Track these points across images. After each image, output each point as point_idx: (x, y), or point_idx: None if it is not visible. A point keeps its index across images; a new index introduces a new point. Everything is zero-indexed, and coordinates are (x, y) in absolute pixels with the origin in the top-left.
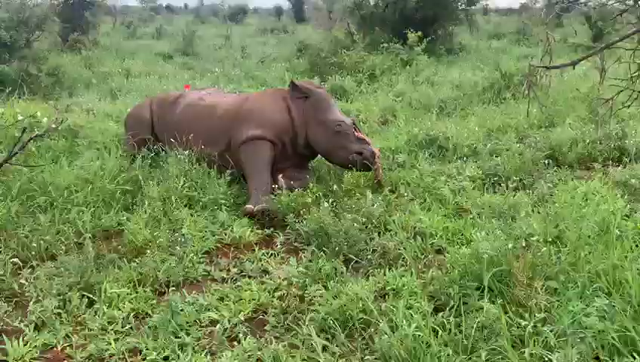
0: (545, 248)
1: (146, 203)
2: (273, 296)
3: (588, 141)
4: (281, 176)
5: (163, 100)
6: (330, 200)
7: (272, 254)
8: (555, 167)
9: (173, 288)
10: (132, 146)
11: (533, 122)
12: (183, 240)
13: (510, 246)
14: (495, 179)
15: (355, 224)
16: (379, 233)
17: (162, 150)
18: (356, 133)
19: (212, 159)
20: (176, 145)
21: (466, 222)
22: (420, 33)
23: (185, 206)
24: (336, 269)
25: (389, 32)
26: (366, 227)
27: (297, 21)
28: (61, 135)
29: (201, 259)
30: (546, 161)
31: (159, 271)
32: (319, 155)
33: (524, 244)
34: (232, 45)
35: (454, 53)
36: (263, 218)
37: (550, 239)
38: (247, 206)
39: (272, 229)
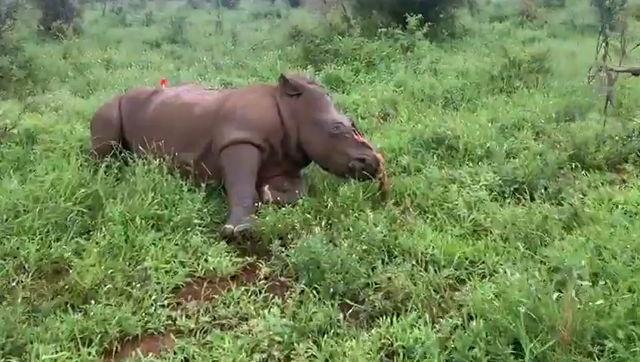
0: (593, 290)
1: (105, 227)
2: (251, 358)
3: (617, 137)
4: (267, 187)
5: (134, 98)
6: (324, 221)
7: (252, 292)
8: (582, 170)
9: (129, 344)
10: (96, 153)
11: (551, 115)
12: (144, 276)
13: (552, 292)
14: (515, 186)
15: (354, 254)
16: (382, 260)
17: (131, 158)
18: (356, 136)
19: (187, 169)
20: (148, 152)
21: (486, 246)
22: (420, 17)
23: (152, 228)
24: (330, 318)
25: (388, 16)
26: (368, 254)
27: (292, 5)
28: (14, 141)
29: (166, 301)
30: (571, 163)
31: (110, 324)
32: (313, 162)
33: (572, 294)
34: (224, 32)
35: (457, 37)
36: (245, 241)
37: (594, 273)
38: (226, 226)
39: (254, 257)
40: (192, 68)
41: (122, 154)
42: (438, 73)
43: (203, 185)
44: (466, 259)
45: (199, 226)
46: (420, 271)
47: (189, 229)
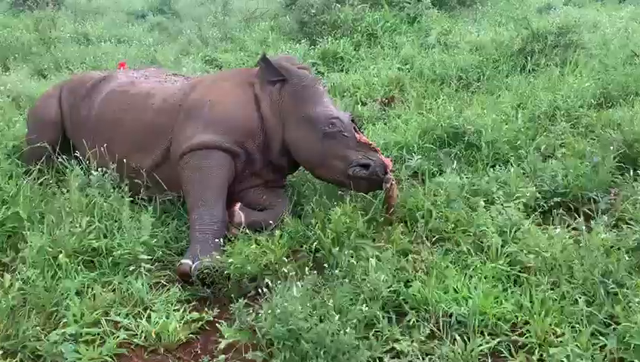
0: None
1: (19, 269)
2: None
3: None
4: (239, 206)
5: (77, 87)
6: (310, 262)
7: None
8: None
9: None
10: (28, 158)
11: (589, 100)
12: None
13: None
14: (556, 200)
15: (348, 329)
16: (389, 320)
17: (70, 165)
18: (358, 136)
19: (136, 182)
20: (90, 157)
21: (531, 300)
22: None
23: (83, 266)
24: None
25: None
26: (368, 316)
27: None
28: None
29: None
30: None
31: None
32: (302, 168)
33: None
34: (216, 0)
35: (467, 4)
36: (205, 285)
37: None
38: (182, 262)
39: (216, 311)
40: (176, 42)
41: (60, 160)
42: (449, 48)
43: (158, 201)
44: (504, 318)
45: (147, 262)
46: (441, 339)
47: (132, 268)
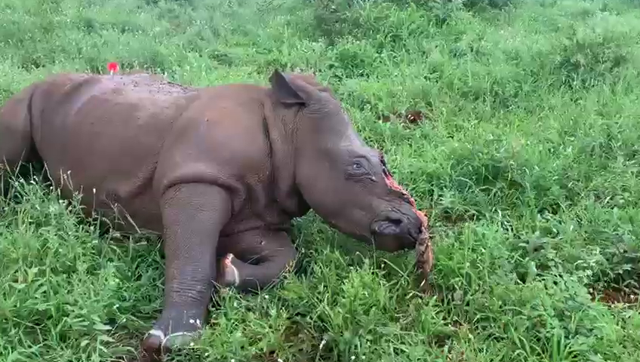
0: None
1: None
2: None
3: None
4: (230, 259)
5: (53, 90)
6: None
7: None
8: None
9: None
10: None
11: None
12: None
13: None
14: (625, 268)
15: None
16: None
17: (23, 190)
18: (388, 181)
19: (112, 210)
20: (56, 179)
21: None
22: None
23: (25, 335)
24: None
25: None
26: None
27: None
28: None
29: None
30: None
31: None
32: (314, 213)
33: None
34: None
35: (499, 6)
36: None
37: None
38: (151, 333)
39: None
40: (185, 33)
41: (20, 181)
42: (482, 56)
43: (132, 241)
44: None
45: (105, 333)
46: None
47: (86, 342)
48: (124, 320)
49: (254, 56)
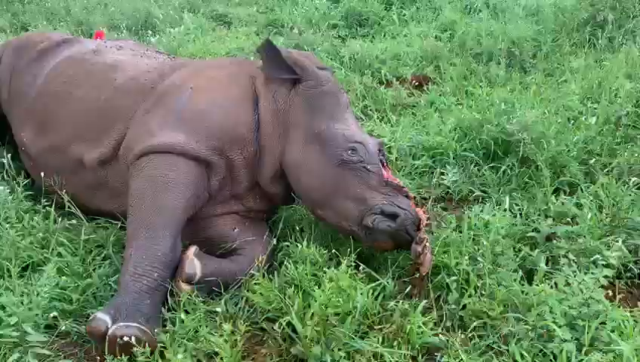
0: None
1: None
2: None
3: None
4: (193, 251)
5: (28, 46)
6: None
7: None
8: None
9: None
10: None
11: None
12: None
13: None
14: None
15: None
16: None
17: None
18: (385, 173)
19: (76, 180)
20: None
21: None
22: None
23: None
24: None
25: None
26: None
27: None
28: None
29: None
30: None
31: None
32: (299, 201)
33: None
34: None
35: None
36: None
37: None
38: (97, 316)
39: None
40: None
41: None
42: (499, 12)
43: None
44: None
45: (40, 345)
46: None
47: (17, 356)
48: (67, 325)
49: (255, 17)
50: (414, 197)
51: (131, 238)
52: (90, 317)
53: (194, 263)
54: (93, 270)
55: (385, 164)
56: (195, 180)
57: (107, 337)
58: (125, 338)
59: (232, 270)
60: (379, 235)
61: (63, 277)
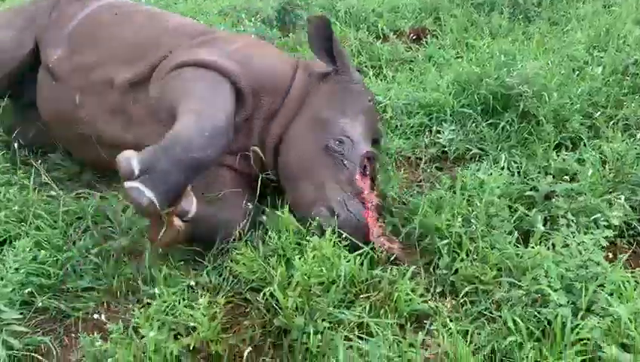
0: None
1: None
2: None
3: None
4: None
5: None
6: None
7: None
8: None
9: None
10: None
11: None
12: None
13: None
14: None
15: None
16: None
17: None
18: (358, 176)
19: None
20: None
21: None
22: None
23: None
24: None
25: None
26: None
27: None
28: None
29: None
30: None
31: None
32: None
33: None
34: None
35: None
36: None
37: None
38: (129, 157)
39: None
40: None
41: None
42: None
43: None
44: None
45: (17, 323)
46: None
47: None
48: (41, 303)
49: None
50: (371, 203)
51: (183, 100)
52: (125, 152)
53: (191, 199)
54: (73, 243)
55: (365, 172)
56: (230, 97)
57: (124, 186)
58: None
59: (218, 217)
60: (316, 228)
61: (42, 251)
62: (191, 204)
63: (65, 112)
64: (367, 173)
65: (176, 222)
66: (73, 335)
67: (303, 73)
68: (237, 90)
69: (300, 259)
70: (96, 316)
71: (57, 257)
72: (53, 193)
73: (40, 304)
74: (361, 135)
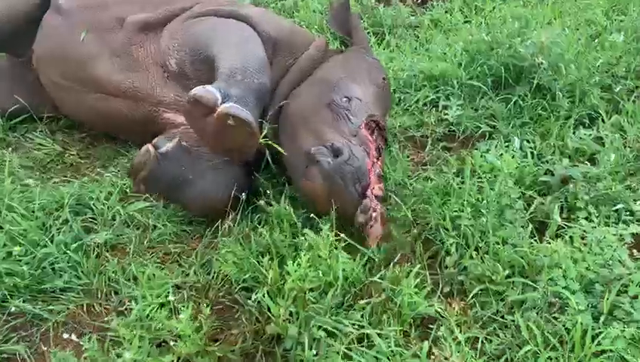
0: None
1: None
2: None
3: None
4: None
5: None
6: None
7: None
8: None
9: None
10: None
11: None
12: None
13: None
14: None
15: None
16: None
17: None
18: (362, 129)
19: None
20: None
21: None
22: None
23: None
24: None
25: None
26: None
27: None
28: None
29: None
30: None
31: None
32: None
33: None
34: None
35: None
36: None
37: None
38: (206, 87)
39: None
40: None
41: None
42: None
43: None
44: None
45: None
46: None
47: None
48: (13, 308)
49: None
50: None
51: (219, 57)
52: (197, 88)
53: (170, 141)
54: (52, 238)
55: (372, 139)
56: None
57: (217, 112)
58: (236, 117)
59: (200, 188)
60: (313, 169)
61: (17, 247)
62: (166, 144)
63: (66, 49)
64: (374, 139)
65: (150, 148)
66: (51, 342)
67: (322, 44)
68: (262, 35)
69: (293, 262)
70: (66, 336)
71: (34, 253)
72: (29, 181)
73: (13, 309)
74: (371, 102)
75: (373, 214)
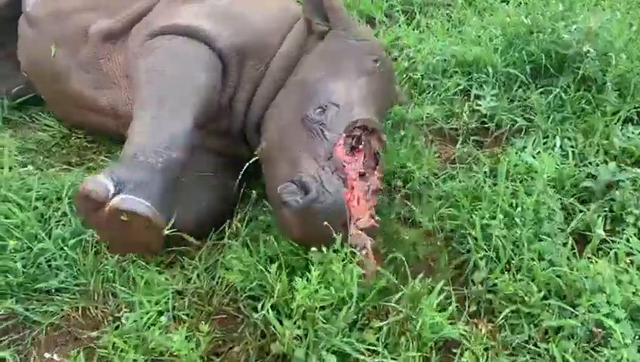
0: None
1: None
2: None
3: None
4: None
5: None
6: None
7: None
8: None
9: None
10: None
11: None
12: None
13: None
14: None
15: None
16: None
17: None
18: (338, 147)
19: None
20: None
21: None
22: None
23: None
24: None
25: None
26: None
27: None
28: None
29: None
30: None
31: None
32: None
33: None
34: None
35: None
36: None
37: None
38: (96, 179)
39: None
40: None
41: None
42: None
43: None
44: None
45: None
46: None
47: None
48: (3, 310)
49: None
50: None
51: (140, 112)
52: (87, 179)
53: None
54: (49, 232)
55: (357, 148)
56: (217, 74)
57: (107, 207)
58: (129, 212)
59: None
60: (284, 208)
61: (12, 241)
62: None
63: (43, 65)
64: (362, 146)
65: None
66: (43, 347)
67: (300, 31)
68: (221, 55)
69: (302, 277)
70: (47, 355)
71: (31, 247)
72: (29, 167)
73: (2, 311)
74: (356, 100)
75: (363, 252)
